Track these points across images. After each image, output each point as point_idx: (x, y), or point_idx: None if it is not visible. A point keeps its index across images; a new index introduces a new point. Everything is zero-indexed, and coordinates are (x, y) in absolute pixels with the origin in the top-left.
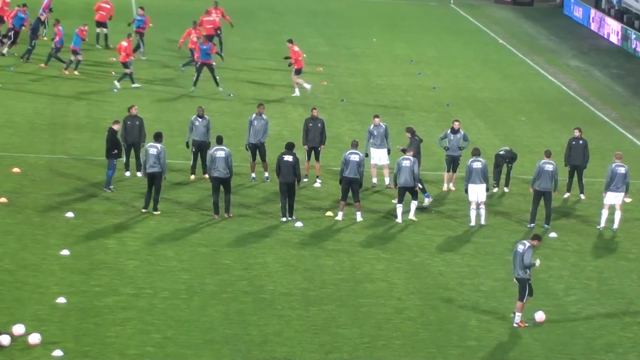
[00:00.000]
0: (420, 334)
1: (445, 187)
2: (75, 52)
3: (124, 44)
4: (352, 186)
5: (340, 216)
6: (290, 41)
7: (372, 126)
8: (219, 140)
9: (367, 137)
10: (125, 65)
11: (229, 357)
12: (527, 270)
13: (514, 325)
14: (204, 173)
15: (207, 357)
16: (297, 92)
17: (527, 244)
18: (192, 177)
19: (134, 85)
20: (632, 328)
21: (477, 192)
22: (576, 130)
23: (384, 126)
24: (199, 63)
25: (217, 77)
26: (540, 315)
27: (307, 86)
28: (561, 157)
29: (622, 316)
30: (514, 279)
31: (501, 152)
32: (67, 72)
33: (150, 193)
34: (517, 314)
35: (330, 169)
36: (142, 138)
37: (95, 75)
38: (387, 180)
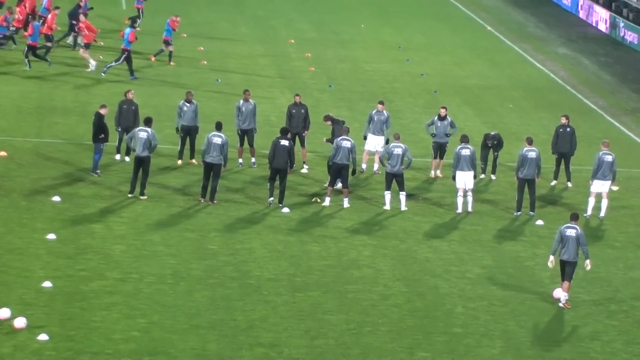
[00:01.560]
0: (406, 321)
1: (432, 174)
2: (166, 43)
3: (49, 16)
4: (342, 172)
5: (327, 202)
6: (85, 15)
7: (374, 111)
8: (218, 127)
9: (368, 120)
10: (47, 38)
11: (214, 342)
12: (578, 253)
13: (560, 305)
14: (191, 157)
15: (192, 342)
16: (91, 67)
17: (578, 228)
18: (179, 162)
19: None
20: (618, 316)
21: (465, 179)
22: (563, 118)
23: (386, 114)
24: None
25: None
26: (557, 293)
27: (93, 62)
28: (549, 145)
29: (608, 304)
30: (555, 261)
31: (491, 133)
32: (153, 59)
33: (137, 177)
34: (564, 294)
35: (318, 154)
36: (137, 124)
37: (82, 60)
38: (375, 167)
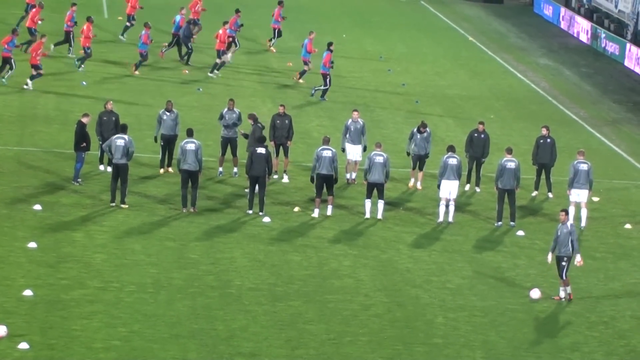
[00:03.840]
0: (387, 331)
1: (411, 184)
2: (305, 63)
3: (220, 32)
4: (326, 182)
5: (316, 213)
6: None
7: (349, 121)
8: (190, 133)
9: (344, 132)
10: (218, 53)
11: (195, 351)
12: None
13: (564, 299)
14: (168, 165)
15: (173, 351)
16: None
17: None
18: (161, 170)
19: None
20: (598, 327)
21: (450, 188)
22: (544, 129)
23: (361, 122)
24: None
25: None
26: (536, 293)
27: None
28: (530, 156)
29: (588, 315)
30: (564, 258)
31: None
32: (301, 81)
33: (116, 185)
34: (562, 288)
35: (299, 164)
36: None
37: (64, 68)
38: (353, 175)
